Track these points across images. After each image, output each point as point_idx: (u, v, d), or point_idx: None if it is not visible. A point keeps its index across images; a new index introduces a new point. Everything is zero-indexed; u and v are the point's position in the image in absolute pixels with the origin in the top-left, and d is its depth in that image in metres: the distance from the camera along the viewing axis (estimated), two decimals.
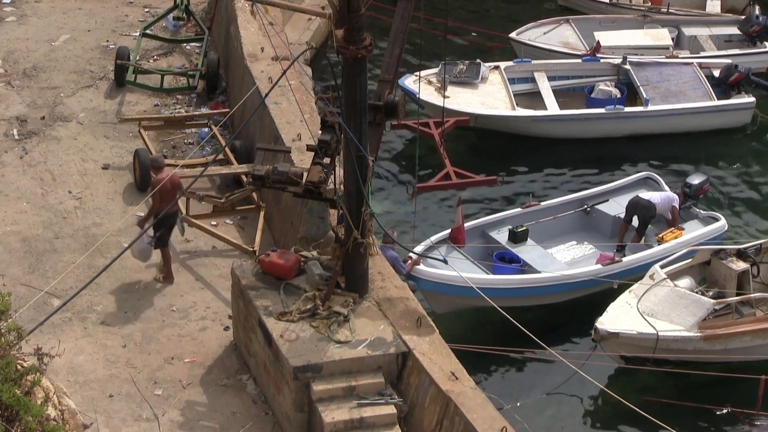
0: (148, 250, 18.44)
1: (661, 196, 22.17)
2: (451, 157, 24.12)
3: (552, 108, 25.99)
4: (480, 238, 22.03)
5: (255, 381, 17.07)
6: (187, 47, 25.27)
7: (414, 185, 22.62)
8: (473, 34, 29.70)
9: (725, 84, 26.76)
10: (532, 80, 26.86)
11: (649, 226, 22.20)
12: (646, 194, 22.23)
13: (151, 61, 24.75)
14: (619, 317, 19.62)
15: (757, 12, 29.24)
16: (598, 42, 27.63)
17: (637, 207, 22.02)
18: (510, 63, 27.09)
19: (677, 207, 22.28)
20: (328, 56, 24.39)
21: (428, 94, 25.43)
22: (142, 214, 19.88)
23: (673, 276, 20.30)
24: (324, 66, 27.09)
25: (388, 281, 17.24)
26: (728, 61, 27.25)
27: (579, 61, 27.37)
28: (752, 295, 20.15)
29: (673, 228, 22.19)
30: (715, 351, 19.67)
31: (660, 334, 19.31)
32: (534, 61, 27.19)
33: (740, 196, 24.89)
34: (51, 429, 13.45)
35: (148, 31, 25.12)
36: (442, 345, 16.22)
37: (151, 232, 18.22)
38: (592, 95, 26.47)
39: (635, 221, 22.12)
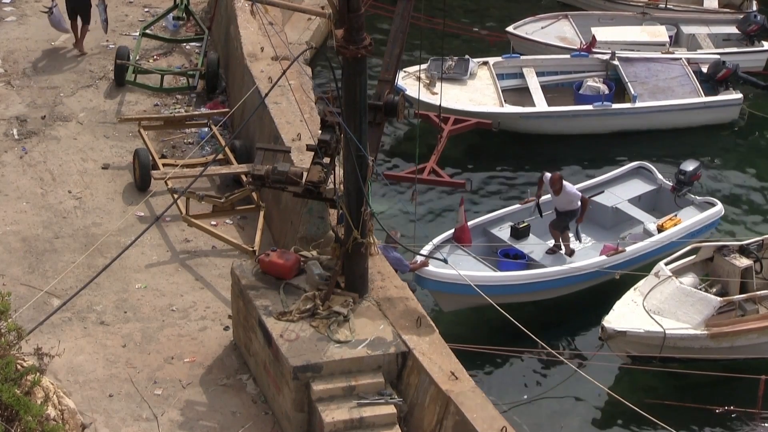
0: (54, 20, 24.30)
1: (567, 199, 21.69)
2: (447, 154, 24.07)
3: (540, 104, 25.93)
4: (482, 236, 22.04)
5: (255, 381, 17.06)
6: (187, 47, 25.23)
7: (382, 172, 22.78)
8: (475, 29, 29.68)
9: (713, 80, 26.64)
10: (521, 76, 26.81)
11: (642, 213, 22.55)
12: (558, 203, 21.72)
13: (150, 60, 24.72)
14: (626, 315, 19.58)
15: (754, 9, 29.19)
16: (594, 37, 27.57)
17: (562, 216, 21.78)
18: (498, 59, 26.99)
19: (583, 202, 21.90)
20: (328, 56, 24.38)
21: (415, 89, 25.24)
22: (142, 213, 19.97)
23: (677, 273, 20.29)
24: (324, 66, 27.06)
25: (388, 281, 17.22)
26: (716, 57, 27.21)
27: (568, 56, 27.31)
28: (758, 293, 20.15)
29: (671, 215, 22.21)
30: (721, 349, 19.66)
31: (667, 332, 19.28)
32: (522, 57, 27.13)
33: (728, 192, 24.79)
34: (51, 429, 13.46)
35: (147, 31, 25.10)
36: (442, 345, 16.21)
37: (49, 3, 24.23)
38: (580, 91, 26.41)
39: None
